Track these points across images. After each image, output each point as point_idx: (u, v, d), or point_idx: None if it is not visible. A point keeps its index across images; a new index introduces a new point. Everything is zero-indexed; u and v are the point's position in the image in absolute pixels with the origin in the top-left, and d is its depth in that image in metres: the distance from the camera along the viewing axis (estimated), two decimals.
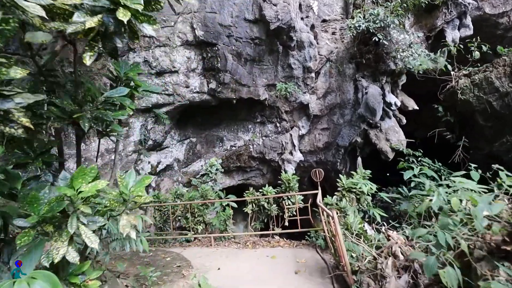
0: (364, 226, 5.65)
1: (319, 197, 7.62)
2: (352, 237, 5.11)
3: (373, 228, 5.76)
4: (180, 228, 9.54)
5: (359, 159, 19.30)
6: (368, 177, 7.70)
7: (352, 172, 7.80)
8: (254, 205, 9.17)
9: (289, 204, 8.81)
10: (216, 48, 11.50)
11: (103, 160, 10.70)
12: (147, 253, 6.20)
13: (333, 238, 5.74)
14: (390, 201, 7.36)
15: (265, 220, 9.26)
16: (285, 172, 14.32)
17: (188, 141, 13.66)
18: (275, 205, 9.00)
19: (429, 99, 16.84)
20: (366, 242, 5.03)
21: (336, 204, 7.13)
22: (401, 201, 7.53)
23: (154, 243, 9.36)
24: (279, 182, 9.38)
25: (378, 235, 5.28)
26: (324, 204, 7.17)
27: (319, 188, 8.14)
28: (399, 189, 8.04)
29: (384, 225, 5.70)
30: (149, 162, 12.03)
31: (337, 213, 6.43)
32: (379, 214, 6.45)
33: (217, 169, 9.90)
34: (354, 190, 7.38)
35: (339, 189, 7.66)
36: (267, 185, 9.65)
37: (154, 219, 9.64)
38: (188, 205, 8.85)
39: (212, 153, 13.95)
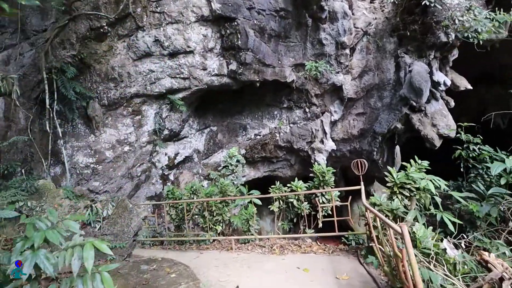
0: (443, 242, 3.96)
1: (363, 195, 5.97)
2: (422, 257, 3.48)
3: (453, 247, 4.04)
4: (198, 227, 8.25)
5: (397, 147, 17.31)
6: (424, 170, 5.93)
7: (405, 164, 6.06)
8: (281, 202, 7.66)
9: (323, 202, 7.22)
10: (236, 23, 9.94)
11: (115, 152, 9.58)
12: (149, 266, 4.92)
13: (390, 252, 4.14)
14: (462, 200, 5.54)
15: (294, 220, 7.74)
16: (316, 163, 12.71)
17: (208, 130, 12.32)
18: (307, 202, 7.43)
19: (483, 76, 14.48)
20: (447, 267, 3.40)
21: (387, 205, 5.46)
22: (473, 201, 5.71)
23: (170, 243, 8.17)
24: (310, 175, 7.78)
25: (458, 254, 3.61)
26: (371, 204, 5.52)
27: (362, 182, 6.46)
28: (473, 185, 6.19)
29: (464, 237, 4.02)
30: (165, 154, 10.82)
31: (387, 219, 4.83)
32: (449, 220, 4.68)
33: (238, 161, 8.46)
34: (409, 186, 5.66)
35: (388, 184, 5.94)
36: (296, 178, 8.13)
37: (170, 217, 8.39)
38: (205, 203, 7.48)
39: (235, 142, 12.55)
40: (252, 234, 7.26)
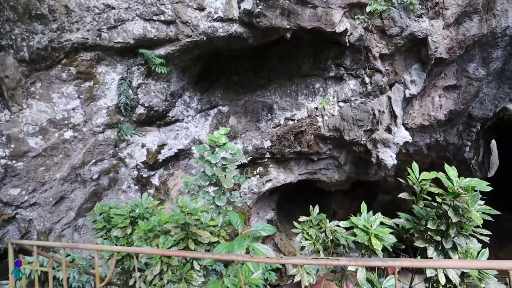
0: None
1: None
2: None
3: None
4: None
5: (493, 142, 11.43)
6: None
7: None
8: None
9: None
10: None
11: (47, 139, 5.38)
12: None
13: None
14: None
15: None
16: (379, 161, 7.76)
17: (215, 111, 7.75)
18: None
19: None
20: None
21: None
22: None
23: None
24: (404, 195, 2.72)
25: None
26: None
27: None
28: None
29: None
30: (143, 146, 6.43)
31: None
32: None
33: (233, 156, 3.59)
34: None
35: None
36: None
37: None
38: (135, 255, 2.84)
39: (256, 130, 7.83)
40: None
